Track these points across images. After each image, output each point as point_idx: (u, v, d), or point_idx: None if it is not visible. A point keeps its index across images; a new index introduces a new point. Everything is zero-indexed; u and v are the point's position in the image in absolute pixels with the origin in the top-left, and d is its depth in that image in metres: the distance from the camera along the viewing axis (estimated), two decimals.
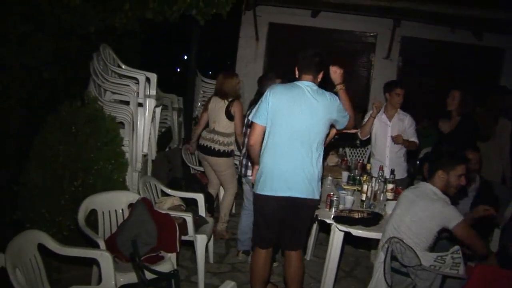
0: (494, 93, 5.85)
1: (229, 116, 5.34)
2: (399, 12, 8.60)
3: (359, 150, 7.56)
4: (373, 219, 3.83)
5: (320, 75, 3.64)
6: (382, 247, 3.33)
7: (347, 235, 3.85)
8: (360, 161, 5.63)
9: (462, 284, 3.18)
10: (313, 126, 3.52)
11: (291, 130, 3.50)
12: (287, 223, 3.66)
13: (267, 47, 9.65)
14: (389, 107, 5.22)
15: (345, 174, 5.04)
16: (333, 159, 5.82)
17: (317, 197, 3.66)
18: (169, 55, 15.74)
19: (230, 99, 5.36)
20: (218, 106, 5.42)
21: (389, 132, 5.11)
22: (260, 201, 3.64)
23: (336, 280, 4.62)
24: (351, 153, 7.43)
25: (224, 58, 12.79)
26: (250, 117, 3.69)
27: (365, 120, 5.29)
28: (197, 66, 8.75)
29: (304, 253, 4.76)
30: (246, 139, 4.78)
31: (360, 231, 3.74)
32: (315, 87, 3.58)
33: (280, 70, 4.91)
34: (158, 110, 5.29)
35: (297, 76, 3.68)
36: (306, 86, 3.55)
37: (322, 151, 3.65)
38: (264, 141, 3.61)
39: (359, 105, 8.86)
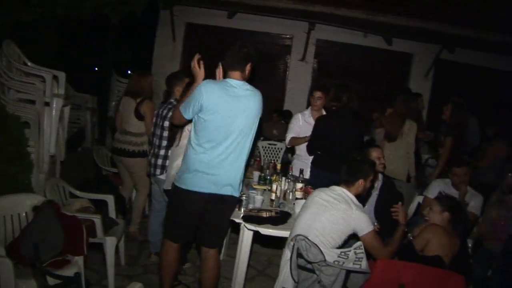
0: (401, 96, 6.09)
1: (139, 116, 5.28)
2: (315, 16, 8.83)
3: (273, 150, 7.67)
4: (281, 218, 3.89)
5: (248, 68, 3.60)
6: (288, 244, 3.40)
7: (260, 234, 3.89)
8: (272, 161, 5.73)
9: (366, 277, 3.31)
10: (246, 125, 3.55)
11: (226, 130, 3.48)
12: (209, 219, 3.66)
13: (184, 47, 9.65)
14: (314, 109, 5.34)
15: (256, 174, 5.09)
16: None
17: (239, 195, 3.74)
18: (87, 54, 15.34)
19: (139, 99, 5.29)
20: (129, 106, 5.35)
21: None
22: (184, 196, 3.58)
23: (248, 279, 4.71)
24: (265, 153, 7.54)
25: (144, 57, 12.65)
26: (180, 108, 3.57)
27: (292, 130, 5.43)
28: (112, 65, 8.59)
29: (220, 252, 4.79)
30: (156, 139, 4.73)
31: (269, 230, 3.78)
32: (246, 85, 3.57)
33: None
34: (67, 109, 5.14)
35: (225, 72, 3.65)
36: (238, 85, 3.53)
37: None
38: (193, 138, 3.56)
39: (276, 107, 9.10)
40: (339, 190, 3.59)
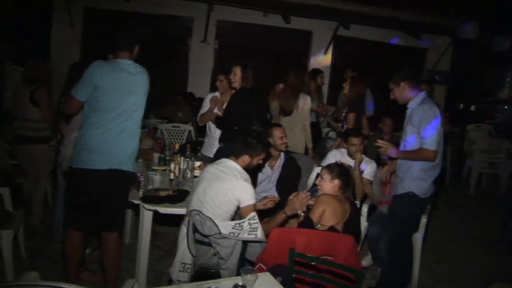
0: (294, 70, 6.28)
1: (35, 103, 5.16)
2: None
3: (177, 132, 7.68)
4: (179, 196, 3.97)
5: (136, 50, 3.73)
6: (184, 220, 3.47)
7: (167, 215, 3.96)
8: (174, 143, 5.78)
9: (263, 247, 3.44)
10: (136, 102, 3.66)
11: (118, 107, 3.57)
12: (107, 199, 3.68)
13: (84, 33, 9.39)
14: (220, 91, 5.48)
15: (156, 156, 5.13)
16: (147, 142, 5.80)
17: (135, 169, 3.85)
18: None
19: (34, 86, 5.15)
20: (23, 93, 5.20)
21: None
22: (82, 175, 3.62)
23: (156, 260, 4.78)
24: (169, 135, 7.53)
25: (44, 45, 12.19)
26: (72, 93, 3.62)
27: (204, 110, 5.50)
28: (6, 54, 8.24)
29: (124, 237, 4.79)
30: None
31: (167, 209, 3.86)
32: (135, 64, 3.69)
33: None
34: None
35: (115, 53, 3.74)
36: (127, 64, 3.64)
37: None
38: (86, 116, 3.62)
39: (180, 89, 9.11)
40: (228, 162, 3.68)
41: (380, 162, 4.80)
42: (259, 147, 3.75)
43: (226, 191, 3.49)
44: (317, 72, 7.63)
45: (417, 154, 3.93)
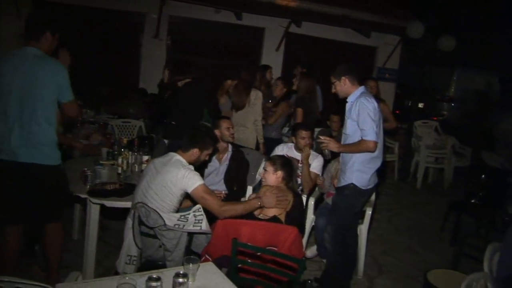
0: (246, 66, 6.37)
1: None
2: None
3: (128, 128, 7.64)
4: (126, 190, 3.99)
5: (46, 37, 3.62)
6: (129, 213, 3.49)
7: (116, 210, 3.98)
8: (123, 138, 5.78)
9: (208, 238, 3.50)
10: (38, 92, 3.53)
11: (15, 96, 3.49)
12: (29, 194, 3.64)
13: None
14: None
15: (104, 151, 5.10)
16: (96, 138, 5.78)
17: (56, 163, 3.72)
18: None
19: None
20: None
21: None
22: None
23: (105, 255, 4.78)
24: (120, 131, 7.46)
25: None
26: None
27: None
28: None
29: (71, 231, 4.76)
30: None
31: (114, 202, 3.87)
32: (39, 53, 3.56)
33: None
34: None
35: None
36: (29, 53, 3.53)
37: (54, 116, 3.69)
38: None
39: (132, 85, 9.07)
40: (172, 155, 3.67)
41: (324, 157, 4.92)
42: (208, 141, 3.78)
43: (168, 183, 3.49)
44: (266, 67, 7.72)
45: (358, 146, 4.07)
